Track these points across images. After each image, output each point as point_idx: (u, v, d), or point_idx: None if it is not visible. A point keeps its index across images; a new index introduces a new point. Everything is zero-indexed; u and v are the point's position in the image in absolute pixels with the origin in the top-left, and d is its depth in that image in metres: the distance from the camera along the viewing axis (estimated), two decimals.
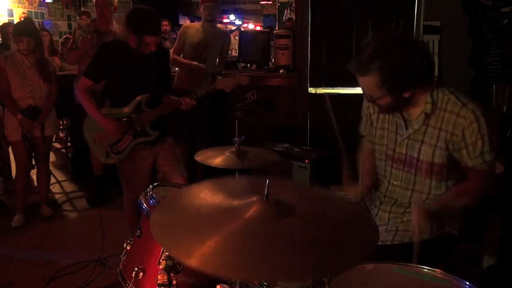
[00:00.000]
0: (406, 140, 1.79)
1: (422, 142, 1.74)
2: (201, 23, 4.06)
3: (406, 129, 1.79)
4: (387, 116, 1.86)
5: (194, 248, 1.03)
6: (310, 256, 1.04)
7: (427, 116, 1.71)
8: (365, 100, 1.96)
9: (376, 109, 1.90)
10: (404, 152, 1.80)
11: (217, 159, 2.19)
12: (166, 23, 7.57)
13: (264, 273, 1.01)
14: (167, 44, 6.76)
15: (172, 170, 2.83)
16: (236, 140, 2.22)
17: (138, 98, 2.69)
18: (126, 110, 2.71)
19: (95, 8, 3.88)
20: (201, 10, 4.01)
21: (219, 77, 2.88)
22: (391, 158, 1.85)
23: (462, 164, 1.70)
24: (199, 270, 1.00)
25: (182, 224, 1.15)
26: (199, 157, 2.22)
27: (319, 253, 1.05)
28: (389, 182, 1.88)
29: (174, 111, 2.80)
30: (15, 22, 6.68)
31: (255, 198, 1.17)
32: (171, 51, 4.01)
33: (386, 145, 1.86)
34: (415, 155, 1.76)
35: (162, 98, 2.80)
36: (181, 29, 4.14)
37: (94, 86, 2.74)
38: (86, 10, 7.88)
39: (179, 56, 4.01)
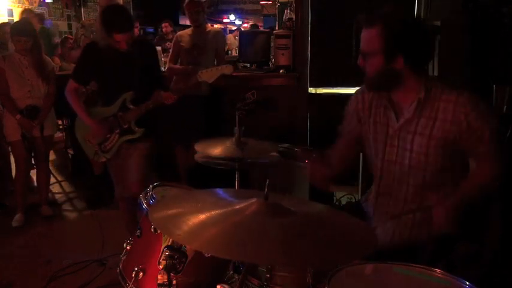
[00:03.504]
0: (398, 132, 1.78)
1: (415, 133, 1.74)
2: (192, 28, 4.08)
3: (397, 120, 1.78)
4: (378, 109, 1.85)
5: (196, 232, 1.13)
6: (303, 247, 1.10)
7: (420, 103, 1.71)
8: (353, 97, 1.97)
9: (367, 104, 1.89)
10: (396, 143, 1.79)
11: (217, 149, 2.18)
12: (167, 24, 7.55)
13: (259, 255, 1.07)
14: (168, 45, 6.75)
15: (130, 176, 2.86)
16: (236, 130, 2.22)
17: (122, 96, 2.74)
18: (112, 108, 2.77)
19: (98, 8, 3.89)
20: (187, 16, 4.04)
21: (202, 70, 2.90)
22: (383, 151, 1.84)
23: (472, 152, 1.71)
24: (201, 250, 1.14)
25: (184, 216, 1.20)
26: (199, 148, 2.23)
27: (313, 246, 1.12)
28: (382, 176, 1.87)
29: (166, 110, 2.83)
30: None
31: (255, 200, 1.22)
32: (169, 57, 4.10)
33: (378, 139, 1.86)
34: (408, 147, 1.76)
35: (152, 93, 2.79)
36: (174, 38, 4.21)
37: (82, 87, 2.81)
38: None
39: (176, 64, 4.07)
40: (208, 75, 2.86)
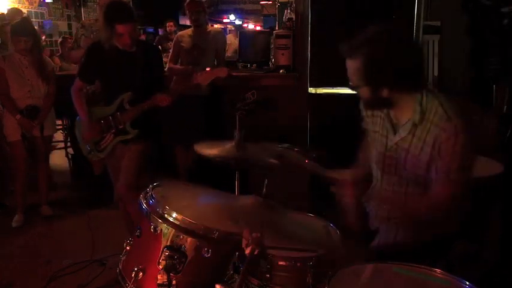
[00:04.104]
0: (395, 146, 1.77)
1: (408, 151, 1.72)
2: (192, 28, 4.08)
3: (394, 134, 1.77)
4: (379, 119, 1.84)
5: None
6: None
7: (415, 126, 1.67)
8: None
9: (369, 112, 1.88)
10: (394, 156, 1.78)
11: (216, 150, 2.18)
12: (171, 23, 7.55)
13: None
14: (169, 44, 6.74)
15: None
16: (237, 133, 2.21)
17: (121, 97, 2.76)
18: (111, 108, 2.80)
19: (98, 8, 3.90)
20: (188, 16, 4.05)
21: (197, 73, 2.92)
22: (382, 162, 1.83)
23: (434, 173, 1.65)
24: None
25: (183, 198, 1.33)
26: (198, 149, 2.23)
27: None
28: (381, 186, 1.87)
29: (166, 110, 2.83)
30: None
31: (252, 196, 1.33)
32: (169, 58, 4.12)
33: (378, 148, 1.84)
34: (403, 162, 1.75)
35: (151, 96, 2.79)
36: (175, 38, 4.23)
37: (86, 86, 2.90)
38: None
39: (176, 64, 4.08)
40: (202, 77, 2.89)
